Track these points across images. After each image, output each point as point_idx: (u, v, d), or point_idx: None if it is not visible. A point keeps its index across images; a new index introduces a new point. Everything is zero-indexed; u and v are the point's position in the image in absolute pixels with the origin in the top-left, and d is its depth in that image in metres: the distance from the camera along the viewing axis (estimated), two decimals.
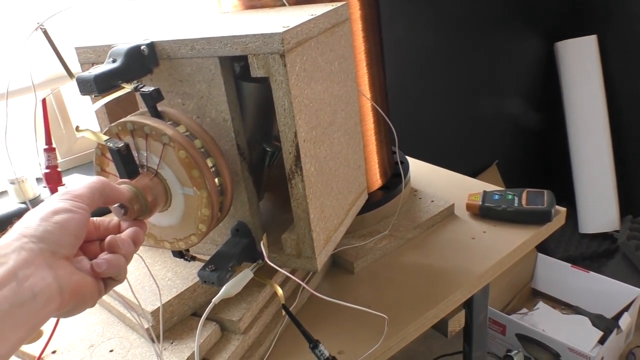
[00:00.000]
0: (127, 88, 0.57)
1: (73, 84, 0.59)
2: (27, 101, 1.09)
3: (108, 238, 0.49)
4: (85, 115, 1.20)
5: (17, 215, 1.03)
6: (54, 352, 0.68)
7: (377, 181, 0.94)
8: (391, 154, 0.99)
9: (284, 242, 0.65)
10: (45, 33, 0.59)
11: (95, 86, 0.55)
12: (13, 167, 0.65)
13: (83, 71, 0.65)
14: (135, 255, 0.72)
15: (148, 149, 0.57)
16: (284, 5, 0.75)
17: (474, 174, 1.82)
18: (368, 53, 0.86)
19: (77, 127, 0.56)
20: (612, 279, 1.86)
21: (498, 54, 2.04)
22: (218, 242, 0.70)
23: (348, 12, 0.73)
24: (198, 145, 0.58)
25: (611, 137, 2.15)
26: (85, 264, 0.47)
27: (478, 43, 1.94)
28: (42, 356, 0.66)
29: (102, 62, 0.61)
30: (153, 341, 0.64)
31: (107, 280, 0.48)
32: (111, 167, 0.60)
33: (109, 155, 0.58)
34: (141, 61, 0.59)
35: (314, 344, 0.61)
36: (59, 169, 0.67)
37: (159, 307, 0.65)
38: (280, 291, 0.63)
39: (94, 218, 0.52)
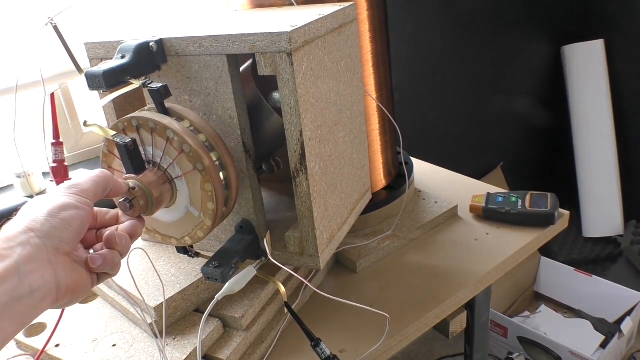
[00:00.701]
0: (135, 84, 0.57)
1: (82, 79, 0.60)
2: (33, 96, 1.10)
3: (107, 234, 0.50)
4: (92, 111, 1.21)
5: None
6: (57, 345, 0.68)
7: (381, 181, 0.94)
8: (396, 154, 0.99)
9: (288, 239, 0.66)
10: (56, 28, 0.60)
11: (103, 81, 0.55)
12: (21, 161, 0.65)
13: (92, 67, 0.65)
14: (138, 250, 0.73)
15: (154, 145, 0.58)
16: (292, 4, 0.75)
17: (478, 176, 1.81)
18: (374, 54, 0.86)
19: (85, 122, 0.56)
20: (614, 284, 1.86)
21: (504, 57, 2.03)
22: (222, 239, 0.70)
23: (355, 12, 0.73)
24: (202, 139, 0.59)
25: (616, 142, 2.15)
26: (81, 253, 0.48)
27: (484, 45, 1.94)
28: (45, 349, 0.67)
29: (111, 58, 0.61)
30: (156, 336, 0.65)
31: (101, 274, 0.49)
32: (117, 164, 0.60)
33: (116, 152, 0.59)
34: (150, 58, 0.60)
35: (315, 342, 0.62)
36: (65, 163, 0.68)
37: (162, 303, 0.66)
38: (283, 289, 0.63)
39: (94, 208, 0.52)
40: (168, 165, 0.58)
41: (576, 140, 2.21)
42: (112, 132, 0.57)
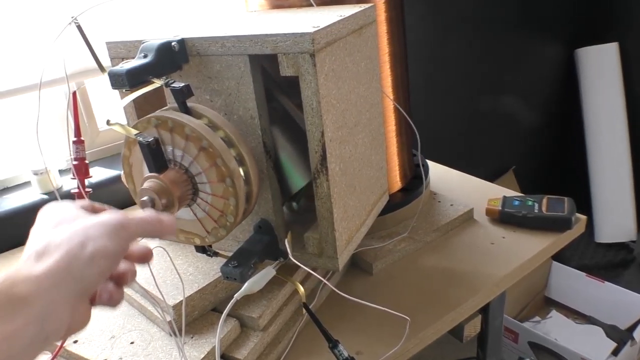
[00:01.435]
0: (158, 83, 0.57)
1: (102, 77, 0.60)
2: (50, 94, 1.11)
3: (121, 270, 0.46)
4: (108, 109, 1.22)
5: (39, 206, 1.04)
6: (75, 341, 0.68)
7: (397, 183, 0.94)
8: (411, 156, 0.99)
9: (307, 240, 0.66)
10: (79, 27, 0.60)
11: (126, 80, 0.55)
12: (43, 158, 0.66)
13: (113, 66, 0.66)
14: (158, 249, 0.73)
15: (174, 144, 0.58)
16: (311, 5, 0.75)
17: (490, 179, 1.81)
18: (392, 55, 0.86)
19: (108, 121, 0.56)
20: (627, 290, 1.84)
21: (517, 60, 2.03)
22: (240, 239, 0.70)
23: (375, 13, 0.73)
24: (221, 135, 0.59)
25: (630, 147, 2.13)
26: None
27: (497, 48, 1.93)
28: (64, 345, 0.67)
29: (132, 57, 0.62)
30: (175, 335, 0.65)
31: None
32: (137, 163, 0.60)
33: (137, 151, 0.59)
34: (171, 57, 0.60)
35: (333, 344, 0.62)
36: (86, 161, 0.68)
37: (181, 301, 0.66)
38: (302, 290, 0.63)
39: None
40: (189, 164, 0.58)
41: (589, 144, 2.20)
42: (135, 131, 0.57)
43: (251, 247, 0.65)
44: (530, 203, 0.94)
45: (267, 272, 0.62)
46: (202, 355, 0.63)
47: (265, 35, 0.56)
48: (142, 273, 0.72)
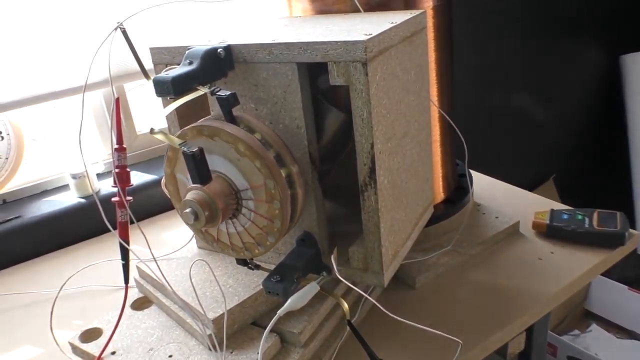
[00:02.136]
0: (203, 91, 0.56)
1: (145, 82, 0.59)
2: (88, 97, 1.11)
3: None
4: (147, 113, 1.21)
5: (77, 209, 1.04)
6: (113, 352, 0.67)
7: (440, 194, 0.91)
8: (455, 166, 0.96)
9: (351, 255, 0.63)
10: (124, 33, 0.59)
11: (172, 88, 0.54)
12: (84, 161, 0.65)
13: (157, 72, 0.64)
14: (199, 262, 0.72)
15: (218, 154, 0.56)
16: (358, 11, 0.73)
17: (529, 188, 1.76)
18: (438, 62, 0.83)
19: (151, 129, 0.55)
20: None
21: (560, 66, 1.97)
22: (281, 251, 0.68)
23: (426, 20, 0.71)
24: (257, 137, 0.57)
25: None
26: None
27: (540, 54, 1.88)
28: (102, 356, 0.66)
29: (176, 64, 0.60)
30: (215, 349, 0.63)
31: None
32: (180, 173, 0.59)
33: (180, 160, 0.57)
34: (217, 64, 0.58)
35: None
36: (128, 169, 0.67)
37: (221, 315, 0.64)
38: (346, 306, 0.61)
39: None
40: (231, 173, 0.57)
41: (633, 153, 2.12)
42: (179, 141, 0.55)
43: (294, 260, 0.62)
44: (580, 217, 0.90)
45: (311, 288, 0.60)
46: None
47: (315, 43, 0.54)
48: (182, 284, 0.71)
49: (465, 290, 0.80)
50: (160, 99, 0.60)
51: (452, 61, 0.88)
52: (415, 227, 0.73)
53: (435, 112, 0.84)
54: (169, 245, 0.82)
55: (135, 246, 0.72)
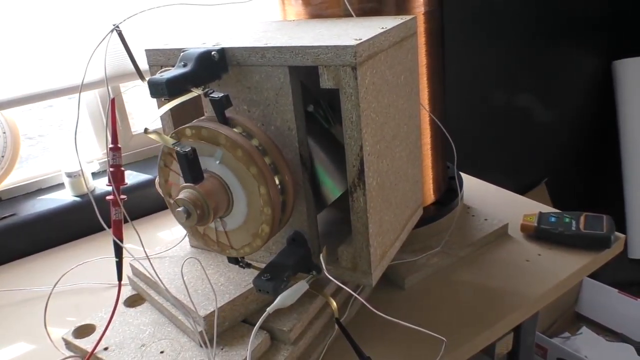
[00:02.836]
0: (196, 93, 0.57)
1: (139, 83, 0.60)
2: (84, 96, 1.12)
3: None
4: (142, 113, 1.22)
5: (72, 208, 1.05)
6: (106, 348, 0.68)
7: (430, 196, 0.93)
8: (445, 168, 0.97)
9: (340, 254, 0.65)
10: (120, 35, 0.60)
11: (166, 89, 0.55)
12: (79, 160, 0.66)
13: (152, 73, 0.66)
14: (190, 260, 0.73)
15: (211, 155, 0.58)
16: (350, 15, 0.74)
17: (521, 191, 1.78)
18: (429, 67, 0.84)
19: (145, 129, 0.56)
20: None
21: (552, 71, 1.99)
22: (273, 250, 0.69)
23: (416, 25, 0.72)
24: (255, 143, 0.58)
25: None
26: None
27: (532, 59, 1.90)
28: (95, 352, 0.67)
29: (171, 65, 0.61)
30: (205, 346, 0.64)
31: None
32: (173, 173, 0.60)
33: (174, 160, 0.59)
34: (211, 66, 0.60)
35: None
36: (122, 169, 0.68)
37: (212, 312, 0.65)
38: (334, 305, 0.62)
39: None
40: (222, 173, 0.58)
41: (624, 158, 2.14)
42: (172, 141, 0.57)
43: (284, 259, 0.64)
44: (567, 220, 0.92)
45: (300, 287, 0.62)
46: None
47: (306, 47, 0.55)
48: (174, 282, 0.72)
49: (454, 291, 0.81)
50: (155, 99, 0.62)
51: (443, 65, 0.90)
52: (405, 228, 0.74)
53: (425, 115, 0.86)
54: (163, 244, 0.83)
55: (129, 244, 0.74)
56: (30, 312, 0.85)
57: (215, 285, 0.71)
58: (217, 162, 0.58)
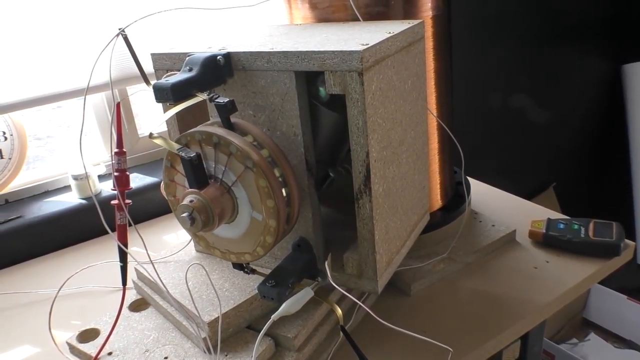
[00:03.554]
0: (202, 97, 0.57)
1: (145, 87, 0.60)
2: (90, 99, 1.12)
3: None
4: (149, 116, 1.22)
5: (78, 211, 1.05)
6: (110, 353, 0.68)
7: (437, 202, 0.92)
8: (453, 173, 0.97)
9: (346, 261, 0.64)
10: (126, 39, 0.60)
11: (171, 94, 0.55)
12: (84, 163, 0.66)
13: (157, 77, 0.65)
14: (196, 265, 0.72)
15: (216, 160, 0.57)
16: (357, 19, 0.74)
17: (529, 196, 1.76)
18: (437, 72, 0.84)
19: (150, 134, 0.56)
20: None
21: (560, 74, 1.97)
22: (278, 256, 0.69)
23: (424, 30, 0.71)
24: (265, 154, 0.58)
25: None
26: None
27: (540, 62, 1.89)
28: (99, 357, 0.67)
29: (176, 70, 0.61)
30: (209, 352, 0.64)
31: None
32: (179, 178, 0.60)
33: (179, 165, 0.58)
34: (216, 71, 0.59)
35: None
36: (127, 173, 0.68)
37: (216, 318, 0.65)
38: (340, 312, 0.61)
39: None
40: (229, 180, 0.57)
41: (634, 163, 2.12)
42: (177, 146, 0.56)
43: (289, 266, 0.63)
44: (576, 227, 0.91)
45: (305, 294, 0.61)
46: None
47: (312, 52, 0.55)
48: (179, 287, 0.72)
49: (460, 298, 0.80)
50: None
51: (451, 70, 0.89)
52: (411, 235, 0.74)
53: (433, 120, 0.85)
54: (168, 248, 0.83)
55: (134, 248, 0.73)
56: (35, 314, 0.85)
57: (219, 290, 0.70)
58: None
